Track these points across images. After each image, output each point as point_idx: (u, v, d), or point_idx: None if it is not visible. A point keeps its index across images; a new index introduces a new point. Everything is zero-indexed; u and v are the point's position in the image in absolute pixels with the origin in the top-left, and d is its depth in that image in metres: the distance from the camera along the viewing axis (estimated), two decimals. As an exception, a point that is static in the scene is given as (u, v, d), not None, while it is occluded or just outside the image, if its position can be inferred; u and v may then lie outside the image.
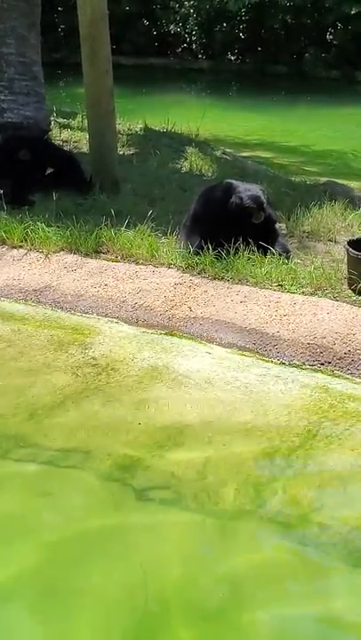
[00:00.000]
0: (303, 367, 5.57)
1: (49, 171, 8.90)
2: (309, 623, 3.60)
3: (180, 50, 27.97)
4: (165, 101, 19.11)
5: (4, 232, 7.43)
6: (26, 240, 7.35)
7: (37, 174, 8.75)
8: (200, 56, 27.96)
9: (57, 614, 3.63)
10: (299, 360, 5.63)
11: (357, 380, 5.40)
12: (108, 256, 7.15)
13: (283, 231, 7.28)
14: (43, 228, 7.38)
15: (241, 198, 6.63)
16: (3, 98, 10.56)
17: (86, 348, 5.90)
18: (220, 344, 5.91)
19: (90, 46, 8.45)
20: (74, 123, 12.34)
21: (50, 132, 11.03)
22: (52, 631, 3.56)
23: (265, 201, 6.72)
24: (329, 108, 19.51)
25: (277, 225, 7.09)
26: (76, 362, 5.70)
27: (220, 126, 15.77)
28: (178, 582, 3.80)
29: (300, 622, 3.60)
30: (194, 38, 27.75)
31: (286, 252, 6.80)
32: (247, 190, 6.73)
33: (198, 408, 5.09)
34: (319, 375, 5.48)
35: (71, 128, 12.02)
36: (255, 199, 6.66)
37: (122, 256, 7.10)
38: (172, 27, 27.83)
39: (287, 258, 6.73)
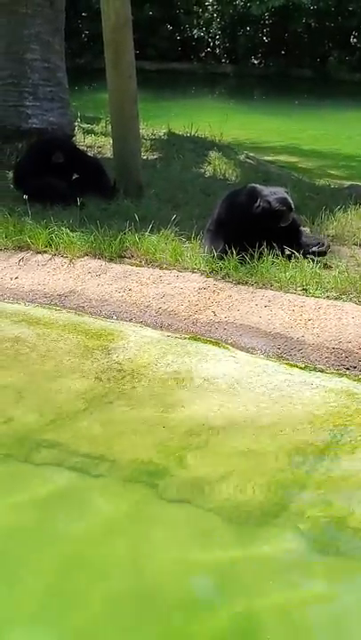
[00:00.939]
0: (328, 372, 5.55)
1: (75, 176, 8.93)
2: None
3: (203, 54, 28.02)
4: (189, 106, 19.16)
5: (29, 237, 7.46)
6: (50, 245, 7.37)
7: (68, 178, 8.79)
8: (223, 60, 27.99)
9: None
10: (324, 364, 5.61)
11: (383, 384, 5.37)
12: (132, 261, 7.16)
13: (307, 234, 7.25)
14: (67, 233, 7.40)
15: (269, 202, 6.62)
16: (27, 104, 10.65)
17: (110, 353, 5.91)
18: (244, 349, 5.90)
19: (113, 51, 8.49)
20: (97, 128, 12.41)
21: (74, 138, 11.07)
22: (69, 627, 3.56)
23: (292, 203, 6.72)
24: (353, 111, 19.45)
25: (302, 228, 7.08)
26: (101, 366, 5.71)
27: (244, 130, 15.77)
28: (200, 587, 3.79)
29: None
30: (217, 42, 27.80)
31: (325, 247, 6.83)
32: (274, 193, 6.73)
33: (223, 413, 5.08)
34: (344, 380, 5.45)
35: (95, 133, 12.08)
36: (283, 201, 6.66)
37: (146, 261, 7.11)
38: (195, 31, 27.88)
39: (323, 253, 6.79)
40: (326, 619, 3.64)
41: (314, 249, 6.78)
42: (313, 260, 6.68)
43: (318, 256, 6.73)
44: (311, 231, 7.56)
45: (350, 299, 6.16)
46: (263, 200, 6.65)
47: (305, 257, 6.73)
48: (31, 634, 3.54)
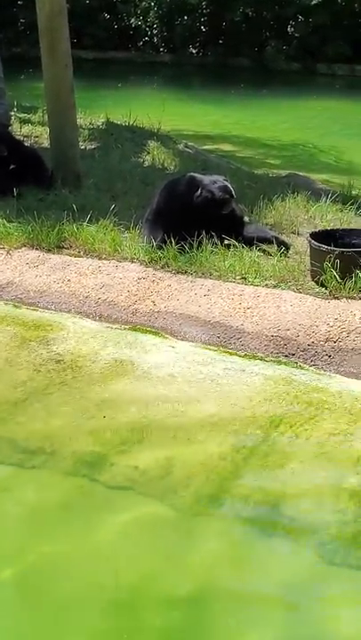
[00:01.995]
0: (267, 359, 5.58)
1: (12, 166, 8.83)
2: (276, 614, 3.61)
3: (141, 43, 27.87)
4: (127, 95, 19.07)
5: (-35, 229, 7.37)
6: (-14, 236, 7.29)
7: (4, 168, 8.68)
8: (162, 49, 27.87)
9: (28, 611, 3.61)
10: (263, 352, 5.64)
11: (321, 371, 5.41)
12: (71, 251, 7.12)
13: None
14: (4, 224, 7.34)
15: (211, 190, 6.63)
16: None
17: (49, 344, 5.87)
18: (184, 338, 5.91)
19: (49, 40, 8.40)
20: (34, 117, 12.28)
21: (10, 128, 10.95)
22: (17, 627, 3.54)
23: (233, 190, 6.74)
24: (290, 101, 19.55)
25: (246, 219, 7.10)
26: (40, 358, 5.67)
27: (183, 120, 15.74)
28: (147, 575, 3.79)
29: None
30: (155, 32, 27.66)
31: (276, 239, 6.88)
32: (214, 182, 6.74)
33: (163, 402, 5.08)
34: (283, 367, 5.48)
35: (32, 123, 11.95)
36: (225, 189, 6.68)
37: (84, 251, 7.07)
38: (132, 20, 27.71)
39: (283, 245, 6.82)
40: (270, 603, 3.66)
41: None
42: (264, 252, 6.73)
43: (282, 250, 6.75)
44: (250, 220, 7.58)
45: (289, 287, 6.20)
46: (205, 189, 6.66)
47: (249, 247, 6.76)
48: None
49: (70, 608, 3.60)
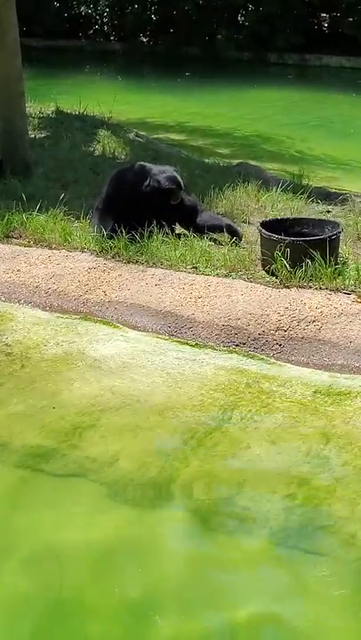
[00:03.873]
0: (218, 349, 5.58)
1: None
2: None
3: (91, 32, 27.71)
4: (77, 84, 18.95)
5: None
6: None
7: None
8: (112, 38, 27.75)
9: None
10: (214, 342, 5.65)
11: (272, 360, 5.43)
12: (21, 241, 7.07)
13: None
14: None
15: (158, 180, 6.62)
16: None
17: (-1, 335, 5.83)
18: (135, 328, 5.90)
19: (-3, 28, 8.32)
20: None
21: None
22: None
23: (182, 181, 6.73)
24: (242, 90, 19.57)
25: (200, 208, 7.09)
26: (-11, 349, 5.62)
27: (133, 109, 15.70)
28: (94, 570, 3.78)
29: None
30: (105, 20, 27.51)
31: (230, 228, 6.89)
32: (163, 172, 6.73)
33: (113, 392, 5.06)
34: (234, 356, 5.49)
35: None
36: (173, 179, 6.67)
37: (34, 241, 7.03)
38: (82, 8, 27.53)
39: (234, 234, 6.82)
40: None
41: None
42: (215, 241, 6.73)
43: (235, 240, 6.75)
44: (202, 209, 7.57)
45: (239, 276, 6.22)
46: (153, 178, 6.64)
47: (200, 235, 6.77)
48: None
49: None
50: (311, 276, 5.97)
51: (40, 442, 4.59)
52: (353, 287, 5.90)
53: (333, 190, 9.14)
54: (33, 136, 10.04)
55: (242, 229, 6.99)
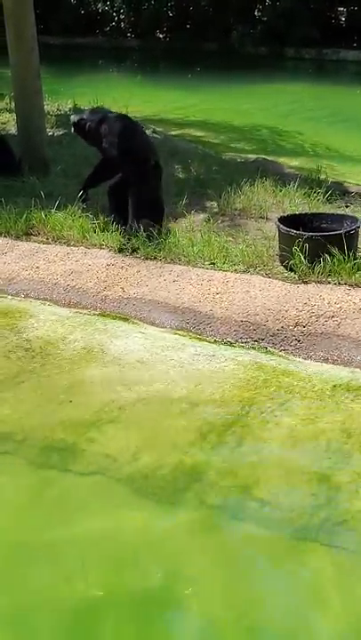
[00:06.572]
0: (237, 345, 5.58)
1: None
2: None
3: (108, 28, 27.69)
4: (94, 81, 18.95)
5: None
6: None
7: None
8: (129, 35, 27.73)
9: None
10: (232, 337, 5.65)
11: (291, 355, 5.43)
12: (39, 238, 7.10)
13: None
14: (-29, 212, 7.28)
15: None
16: None
17: (19, 332, 5.85)
18: (153, 324, 5.90)
19: (14, 25, 8.35)
20: (1, 104, 12.19)
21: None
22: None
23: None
24: (259, 85, 19.51)
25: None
26: (9, 345, 5.64)
27: (150, 105, 15.68)
28: (118, 564, 3.79)
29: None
30: (122, 17, 27.49)
31: None
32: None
33: (132, 388, 5.07)
34: (253, 352, 5.49)
35: (-2, 109, 11.88)
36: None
37: (53, 238, 7.05)
38: (99, 5, 27.54)
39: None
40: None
41: None
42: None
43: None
44: (218, 205, 7.58)
45: (257, 271, 6.22)
46: None
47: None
48: None
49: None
50: (330, 271, 5.97)
51: (59, 436, 4.61)
52: (372, 282, 5.88)
53: (352, 185, 9.10)
54: (51, 133, 10.06)
55: (259, 225, 6.98)
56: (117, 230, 6.78)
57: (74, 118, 7.12)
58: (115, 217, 6.94)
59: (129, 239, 6.67)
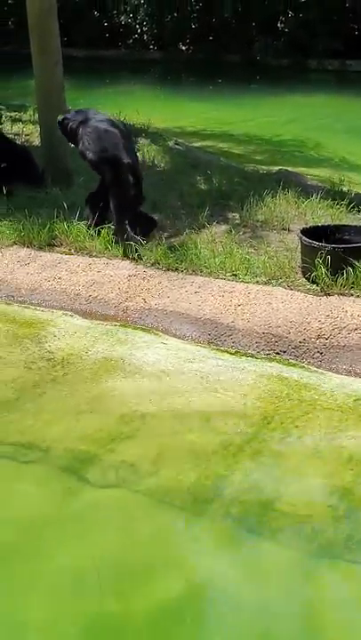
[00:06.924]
0: (258, 357, 5.57)
1: (2, 165, 8.80)
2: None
3: (130, 41, 27.79)
4: (117, 93, 19.03)
5: None
6: (-22, 235, 7.28)
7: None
8: (151, 47, 27.81)
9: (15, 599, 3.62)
10: (254, 350, 5.64)
11: (313, 368, 5.41)
12: (62, 249, 7.12)
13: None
14: (-5, 223, 7.32)
15: None
16: None
17: (41, 342, 5.87)
18: (174, 335, 5.90)
19: (39, 38, 8.39)
20: (25, 116, 12.25)
21: (1, 126, 10.94)
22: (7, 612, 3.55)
23: None
24: (281, 97, 19.49)
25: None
26: (31, 355, 5.67)
27: (173, 117, 15.70)
28: (140, 572, 3.79)
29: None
30: (145, 29, 27.59)
31: None
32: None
33: (153, 399, 5.07)
34: (275, 364, 5.48)
35: (22, 121, 11.92)
36: None
37: (75, 249, 7.07)
38: (122, 17, 27.65)
39: None
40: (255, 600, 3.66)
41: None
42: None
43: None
44: (240, 217, 7.58)
45: (279, 283, 6.20)
46: None
47: None
48: None
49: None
50: (353, 283, 5.94)
51: (82, 447, 4.62)
52: (395, 295, 5.86)
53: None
54: (73, 145, 10.08)
55: (281, 237, 6.98)
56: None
57: (59, 117, 7.17)
58: (91, 222, 7.00)
59: (138, 253, 6.68)
